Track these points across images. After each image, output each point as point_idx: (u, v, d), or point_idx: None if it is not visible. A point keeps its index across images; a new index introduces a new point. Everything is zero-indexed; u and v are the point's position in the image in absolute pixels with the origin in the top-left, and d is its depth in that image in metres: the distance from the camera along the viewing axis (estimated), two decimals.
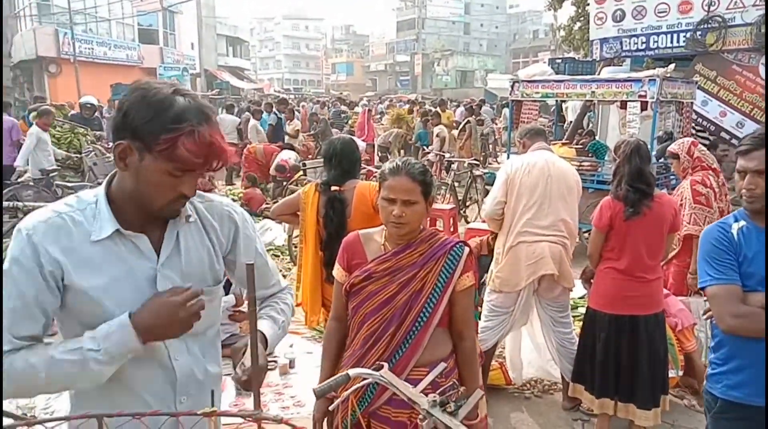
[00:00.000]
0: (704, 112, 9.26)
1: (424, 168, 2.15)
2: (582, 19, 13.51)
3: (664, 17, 9.65)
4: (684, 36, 9.40)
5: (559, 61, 11.96)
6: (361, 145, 11.81)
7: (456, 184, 9.74)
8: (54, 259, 1.30)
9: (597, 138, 10.86)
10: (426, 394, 1.62)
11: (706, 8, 9.14)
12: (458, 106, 19.85)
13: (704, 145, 6.77)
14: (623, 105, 8.50)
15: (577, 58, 12.66)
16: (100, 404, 1.37)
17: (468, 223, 8.21)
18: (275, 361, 4.41)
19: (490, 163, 13.47)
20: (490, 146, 14.71)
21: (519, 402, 4.01)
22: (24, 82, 27.75)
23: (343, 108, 19.98)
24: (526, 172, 3.62)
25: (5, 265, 1.30)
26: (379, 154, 13.50)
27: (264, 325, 1.59)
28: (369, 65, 73.66)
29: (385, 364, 1.75)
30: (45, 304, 1.32)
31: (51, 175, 7.87)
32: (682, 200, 4.23)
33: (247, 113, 14.04)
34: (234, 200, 8.82)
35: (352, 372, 1.72)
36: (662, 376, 3.35)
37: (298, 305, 4.13)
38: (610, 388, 3.40)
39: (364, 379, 1.73)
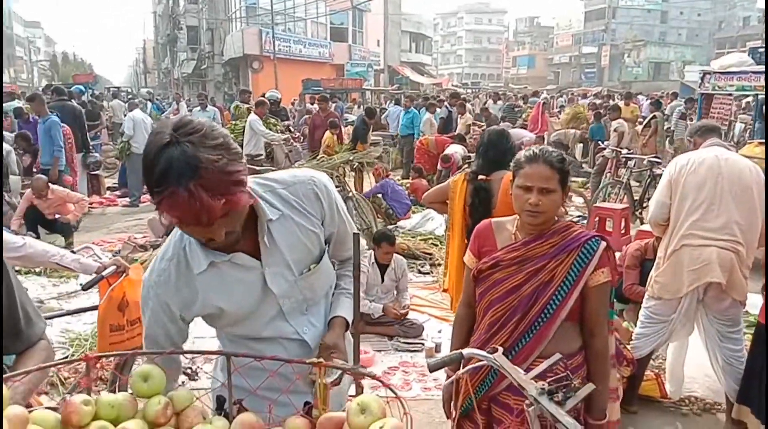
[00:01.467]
0: None
1: (562, 156, 2.12)
2: None
3: None
4: None
5: (762, 50, 10.44)
6: (530, 136, 11.59)
7: (637, 183, 9.13)
8: (171, 308, 1.55)
9: None
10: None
11: None
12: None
13: None
14: None
15: None
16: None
17: (643, 224, 7.68)
18: (422, 344, 4.59)
19: None
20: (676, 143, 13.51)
21: (673, 417, 3.73)
22: (232, 77, 31.27)
23: (518, 102, 19.58)
24: (692, 170, 3.33)
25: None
26: None
27: (345, 307, 1.71)
28: (552, 58, 71.08)
29: (500, 348, 1.79)
30: (171, 333, 1.60)
31: (256, 158, 8.99)
32: None
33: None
34: None
35: (465, 351, 1.79)
36: None
37: (445, 291, 4.26)
38: None
39: (480, 361, 1.80)
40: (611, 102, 16.57)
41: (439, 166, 9.82)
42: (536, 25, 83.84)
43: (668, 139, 13.51)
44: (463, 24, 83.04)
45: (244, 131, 9.15)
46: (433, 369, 1.76)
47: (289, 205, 1.58)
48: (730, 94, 7.40)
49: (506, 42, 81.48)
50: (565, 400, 1.54)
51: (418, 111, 13.14)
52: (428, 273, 6.39)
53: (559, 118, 15.54)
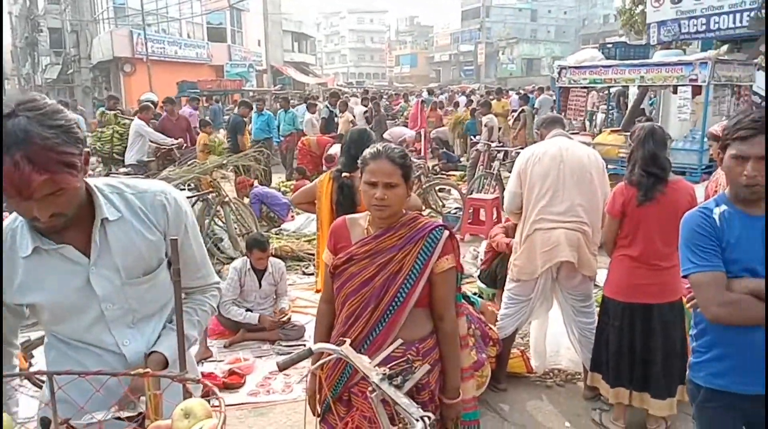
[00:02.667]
0: None
1: (404, 152, 2.21)
2: (644, 2, 12.98)
3: None
4: (747, 15, 8.89)
5: (610, 45, 11.49)
6: (410, 133, 11.91)
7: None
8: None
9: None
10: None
11: None
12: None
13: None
14: (675, 90, 8.16)
15: (627, 41, 12.13)
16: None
17: None
18: (304, 346, 4.59)
19: None
20: None
21: (539, 390, 4.01)
22: (102, 82, 29.40)
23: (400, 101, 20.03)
24: (537, 160, 3.62)
25: None
26: (433, 146, 13.53)
27: (164, 345, 1.65)
28: (433, 56, 73.33)
29: (348, 340, 1.85)
30: None
31: (149, 163, 8.61)
32: (717, 187, 4.06)
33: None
34: (284, 193, 9.16)
35: (314, 347, 1.83)
36: (679, 365, 3.26)
37: (317, 291, 4.29)
38: (625, 378, 3.36)
39: (330, 354, 1.84)
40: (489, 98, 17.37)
41: (323, 167, 9.84)
42: (416, 24, 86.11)
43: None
44: (346, 23, 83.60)
45: (111, 139, 8.71)
46: (282, 368, 1.78)
47: (133, 211, 1.58)
48: (585, 87, 8.00)
49: (388, 41, 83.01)
50: (403, 383, 1.62)
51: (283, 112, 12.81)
52: (312, 274, 6.40)
53: (438, 114, 16.07)
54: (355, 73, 76.95)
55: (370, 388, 1.67)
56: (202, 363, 4.42)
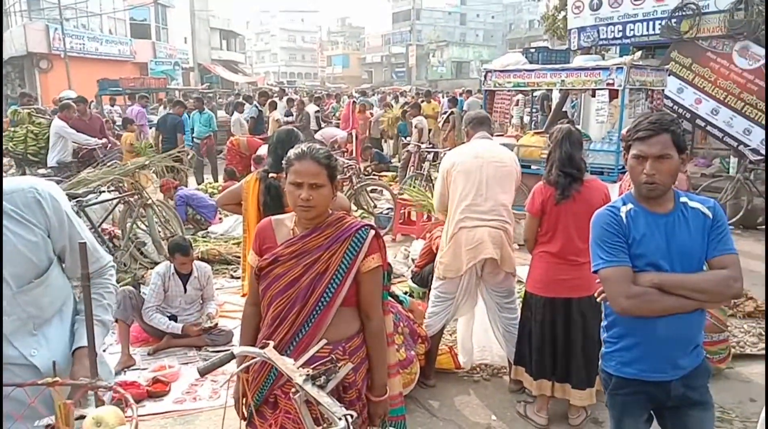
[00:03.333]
0: (680, 100, 9.30)
1: (329, 152, 2.22)
2: (566, 8, 13.51)
3: (639, 5, 9.66)
4: (659, 24, 9.43)
5: (533, 50, 11.96)
6: (342, 134, 11.91)
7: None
8: None
9: (578, 127, 10.94)
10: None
11: None
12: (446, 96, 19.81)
13: None
14: (593, 94, 8.55)
15: (550, 46, 12.64)
16: None
17: None
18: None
19: None
20: None
21: (467, 385, 4.10)
22: (15, 79, 27.74)
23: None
24: (461, 161, 3.73)
25: None
26: (365, 145, 13.57)
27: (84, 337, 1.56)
28: (365, 57, 73.53)
29: (271, 342, 1.83)
30: None
31: (69, 165, 8.19)
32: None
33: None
34: (212, 194, 8.94)
35: (236, 350, 1.81)
36: (597, 356, 3.41)
37: (243, 295, 4.22)
38: (547, 370, 3.50)
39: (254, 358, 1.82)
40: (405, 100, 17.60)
41: (252, 168, 9.68)
42: (348, 25, 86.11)
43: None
44: (277, 22, 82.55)
45: (25, 139, 8.24)
46: (203, 373, 1.75)
47: (6, 215, 1.47)
48: (510, 91, 8.24)
49: (320, 41, 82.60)
50: (326, 382, 1.62)
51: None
52: (240, 277, 6.27)
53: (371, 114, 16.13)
54: (286, 73, 76.08)
55: (293, 390, 1.66)
56: (124, 372, 4.26)
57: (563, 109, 11.59)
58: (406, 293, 5.21)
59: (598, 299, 2.31)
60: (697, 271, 2.11)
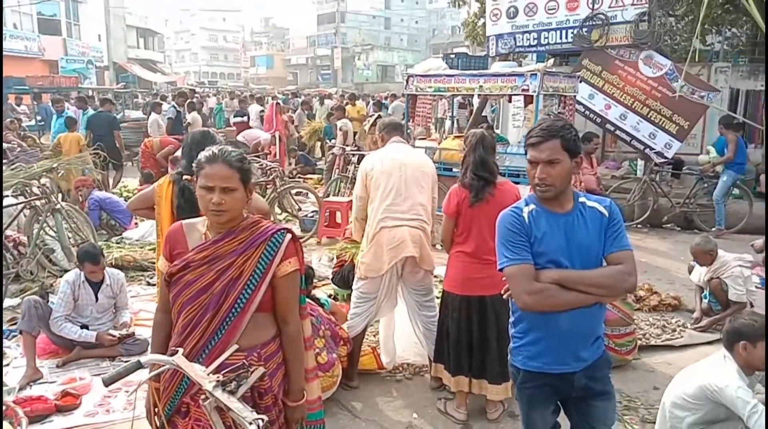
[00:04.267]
0: (591, 105, 9.75)
1: (242, 155, 2.18)
2: (485, 15, 13.90)
3: (553, 14, 10.08)
4: (572, 32, 9.87)
5: (453, 56, 12.28)
6: (265, 136, 11.74)
7: None
8: None
9: (498, 131, 11.30)
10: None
11: (590, 6, 9.62)
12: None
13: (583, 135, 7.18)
14: (510, 99, 8.85)
15: (468, 52, 13.01)
16: None
17: None
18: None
19: None
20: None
21: (390, 385, 4.15)
22: None
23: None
24: (380, 163, 3.80)
25: None
26: (292, 147, 13.45)
27: None
28: (290, 59, 72.82)
29: (180, 350, 1.79)
30: None
31: None
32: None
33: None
34: (127, 198, 8.60)
35: (144, 359, 1.75)
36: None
37: None
38: (464, 366, 3.59)
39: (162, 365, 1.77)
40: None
41: (169, 169, 9.37)
42: (272, 25, 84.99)
43: None
44: (197, 21, 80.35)
45: None
46: (108, 383, 1.69)
47: None
48: (432, 95, 8.39)
49: (243, 41, 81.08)
50: (237, 388, 1.61)
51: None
52: (156, 284, 6.07)
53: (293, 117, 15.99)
54: (208, 73, 74.18)
55: (203, 397, 1.63)
56: (30, 386, 4.03)
57: (483, 114, 11.97)
58: (330, 296, 5.21)
59: (504, 296, 2.40)
60: (595, 266, 2.24)
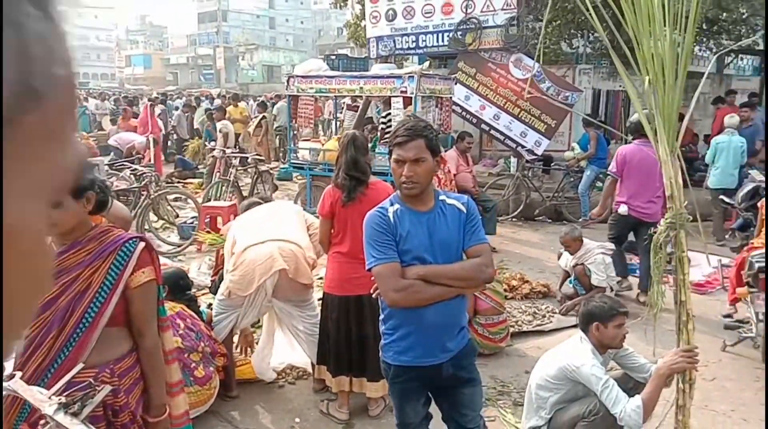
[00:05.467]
0: (467, 106, 10.16)
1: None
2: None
3: (430, 18, 10.41)
4: (447, 36, 10.23)
5: (334, 57, 12.36)
6: (139, 139, 11.17)
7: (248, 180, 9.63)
8: None
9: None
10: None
11: (464, 10, 10.04)
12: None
13: (458, 135, 7.48)
14: (389, 100, 9.04)
15: (349, 54, 13.16)
16: None
17: None
18: None
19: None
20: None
21: (271, 392, 4.08)
22: None
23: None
24: (236, 221, 4.05)
25: None
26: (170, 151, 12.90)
27: None
28: (169, 58, 69.73)
29: (18, 373, 1.65)
30: None
31: None
32: None
33: None
34: None
35: None
36: None
37: None
38: (344, 366, 3.61)
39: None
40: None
41: None
42: (148, 23, 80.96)
43: (278, 137, 14.58)
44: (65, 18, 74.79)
45: None
46: None
47: None
48: (313, 96, 8.36)
49: (117, 40, 76.59)
50: (81, 409, 1.51)
51: None
52: None
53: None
54: (78, 73, 69.24)
55: (42, 421, 1.51)
56: None
57: (367, 115, 12.11)
58: (210, 306, 5.03)
59: (373, 295, 2.45)
60: (456, 260, 2.34)
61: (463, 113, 10.09)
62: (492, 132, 10.21)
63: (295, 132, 9.12)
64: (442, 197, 2.42)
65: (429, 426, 2.64)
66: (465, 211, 2.38)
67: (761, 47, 13.50)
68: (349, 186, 3.43)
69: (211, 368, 3.64)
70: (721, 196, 7.33)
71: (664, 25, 2.04)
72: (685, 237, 2.29)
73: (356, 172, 3.45)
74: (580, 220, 9.11)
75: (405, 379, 2.43)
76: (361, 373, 3.59)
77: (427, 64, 7.68)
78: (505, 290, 5.92)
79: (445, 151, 7.47)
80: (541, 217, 9.83)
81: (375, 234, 2.31)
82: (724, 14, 10.62)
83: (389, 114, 7.92)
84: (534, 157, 9.92)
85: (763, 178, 5.97)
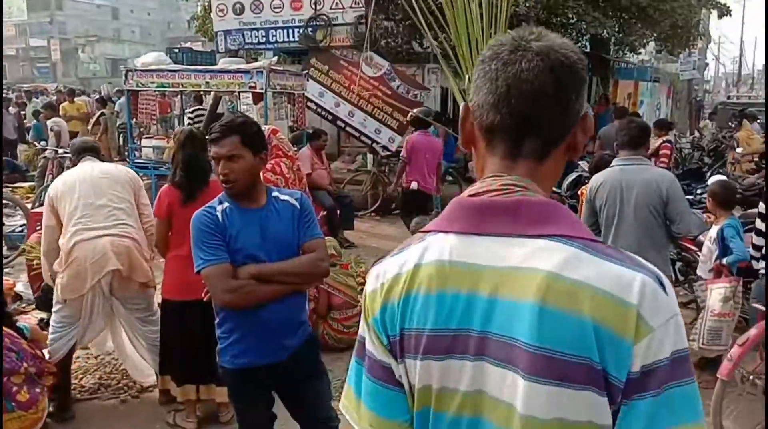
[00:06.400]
0: (322, 103, 10.18)
1: None
2: None
3: (279, 13, 10.26)
4: (298, 32, 10.16)
5: (177, 50, 11.81)
6: None
7: None
8: None
9: None
10: None
11: (313, 6, 10.01)
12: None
13: (312, 133, 7.47)
14: (238, 96, 8.82)
15: (194, 47, 12.66)
16: None
17: None
18: None
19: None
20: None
21: (113, 408, 3.81)
22: None
23: None
24: (62, 184, 3.56)
25: None
26: None
27: None
28: None
29: None
30: None
31: None
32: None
33: None
34: None
35: None
36: None
37: None
38: (190, 374, 3.45)
39: None
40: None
41: None
42: None
43: (121, 135, 13.63)
44: None
45: None
46: None
47: None
48: (155, 91, 7.91)
49: None
50: None
51: None
52: None
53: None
54: None
55: None
56: None
57: (220, 112, 11.70)
58: (42, 321, 4.58)
59: (204, 298, 2.37)
60: (292, 257, 2.31)
61: (319, 110, 10.10)
62: (347, 129, 10.32)
63: (142, 129, 8.58)
64: (274, 194, 2.39)
65: (274, 427, 2.60)
66: (298, 206, 2.37)
67: (588, 50, 14.96)
68: (188, 185, 3.27)
69: (38, 389, 3.31)
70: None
71: (482, 29, 2.19)
72: None
73: (196, 171, 3.31)
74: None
75: (244, 381, 2.37)
76: (209, 379, 3.45)
77: (275, 59, 7.56)
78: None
79: (299, 149, 7.44)
80: (398, 211, 10.11)
81: (202, 234, 2.23)
82: (555, 18, 11.53)
83: (198, 109, 7.72)
84: (388, 152, 10.18)
85: (586, 168, 6.59)
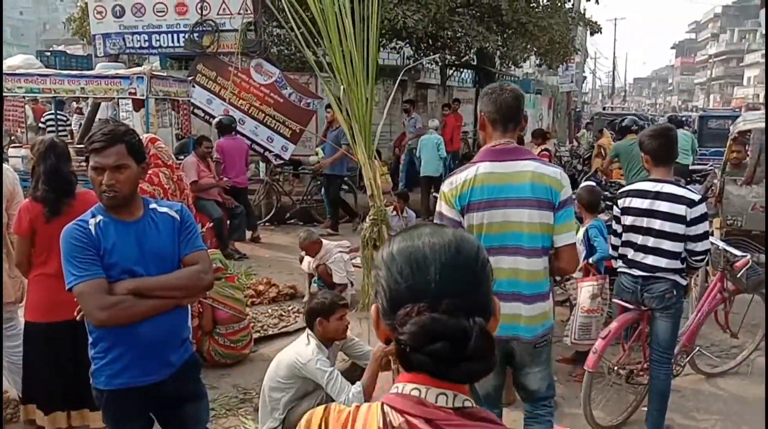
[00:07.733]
0: (210, 110, 9.87)
1: None
2: None
3: (163, 17, 9.84)
4: (183, 36, 9.81)
5: (49, 53, 11.05)
6: None
7: None
8: None
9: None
10: None
11: (199, 11, 9.71)
12: None
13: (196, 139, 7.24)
14: (118, 102, 8.40)
15: (81, 51, 11.92)
16: None
17: None
18: None
19: None
20: None
21: None
22: None
23: None
24: None
25: None
26: None
27: None
28: None
29: None
30: None
31: None
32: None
33: None
34: None
35: None
36: None
37: None
38: (59, 400, 3.23)
39: None
40: None
41: None
42: None
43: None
44: None
45: None
46: None
47: None
48: (23, 97, 7.35)
49: None
50: None
51: None
52: None
53: None
54: None
55: None
56: None
57: (99, 118, 11.05)
58: None
59: (77, 317, 2.24)
60: (172, 270, 2.23)
61: (206, 117, 9.79)
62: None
63: (12, 137, 7.91)
64: (152, 206, 2.29)
65: None
66: (179, 218, 2.29)
67: (475, 63, 15.61)
68: (52, 199, 3.06)
69: None
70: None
71: (355, 44, 2.24)
72: (387, 229, 2.57)
73: (59, 183, 3.10)
74: (324, 221, 9.49)
75: (121, 403, 2.24)
76: (81, 404, 3.24)
77: (156, 63, 7.26)
78: (252, 296, 5.92)
79: (184, 157, 7.19)
80: (292, 220, 10.02)
81: (74, 249, 2.10)
82: (442, 32, 11.94)
83: (49, 115, 7.24)
84: (282, 161, 10.06)
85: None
